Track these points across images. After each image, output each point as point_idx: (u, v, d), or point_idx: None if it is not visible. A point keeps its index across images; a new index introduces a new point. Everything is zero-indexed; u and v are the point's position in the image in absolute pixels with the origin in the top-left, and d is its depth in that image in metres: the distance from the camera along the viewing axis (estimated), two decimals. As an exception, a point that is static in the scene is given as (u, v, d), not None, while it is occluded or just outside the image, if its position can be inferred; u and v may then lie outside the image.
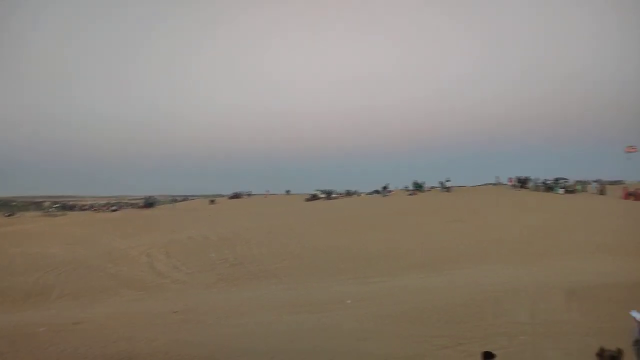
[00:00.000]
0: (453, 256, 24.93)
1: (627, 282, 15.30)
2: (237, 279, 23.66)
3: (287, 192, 71.04)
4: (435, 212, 36.32)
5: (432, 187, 53.23)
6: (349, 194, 66.27)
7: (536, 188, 46.76)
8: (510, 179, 51.24)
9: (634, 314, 5.01)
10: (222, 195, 74.45)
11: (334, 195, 62.75)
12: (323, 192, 62.75)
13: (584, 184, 45.96)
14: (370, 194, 59.09)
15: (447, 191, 49.03)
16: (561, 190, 44.08)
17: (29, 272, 26.36)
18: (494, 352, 6.19)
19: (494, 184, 53.93)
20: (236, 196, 68.84)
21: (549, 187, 45.31)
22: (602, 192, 43.53)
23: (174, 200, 78.47)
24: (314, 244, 28.63)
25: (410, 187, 53.90)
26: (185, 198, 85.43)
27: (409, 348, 11.00)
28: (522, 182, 48.52)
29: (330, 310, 15.62)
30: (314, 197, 60.46)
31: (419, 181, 53.25)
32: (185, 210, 59.42)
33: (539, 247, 25.74)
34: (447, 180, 50.27)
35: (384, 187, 53.53)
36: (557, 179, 46.27)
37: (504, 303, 14.12)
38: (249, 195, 70.50)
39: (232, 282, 23.28)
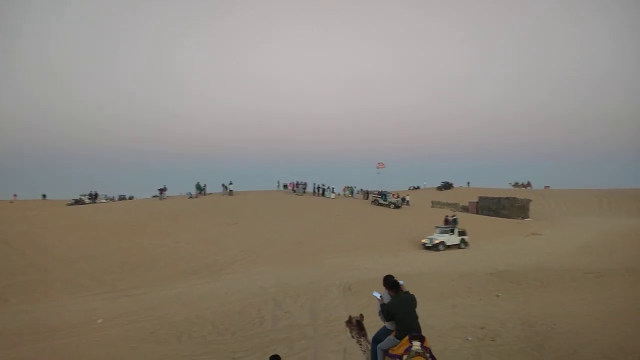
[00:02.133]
0: (230, 260, 23.63)
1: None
2: None
3: (44, 196, 59.11)
4: (213, 215, 34.57)
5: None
6: (122, 198, 60.01)
7: (313, 192, 49.69)
8: (290, 184, 53.21)
9: (374, 293, 6.11)
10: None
11: (102, 200, 55.67)
12: (89, 196, 55.02)
13: (352, 189, 51.06)
14: (149, 198, 53.74)
15: (230, 194, 47.73)
16: (333, 195, 47.88)
17: None
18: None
19: (283, 189, 54.87)
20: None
21: (323, 192, 48.60)
22: (365, 197, 48.94)
23: None
24: (63, 254, 23.15)
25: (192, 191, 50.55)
26: None
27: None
28: (301, 187, 50.97)
29: (72, 336, 12.12)
30: (77, 202, 52.21)
31: (201, 183, 50.35)
32: None
33: (312, 246, 26.49)
34: (230, 184, 48.96)
35: (161, 190, 48.77)
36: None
37: (283, 305, 12.87)
38: None
39: None
